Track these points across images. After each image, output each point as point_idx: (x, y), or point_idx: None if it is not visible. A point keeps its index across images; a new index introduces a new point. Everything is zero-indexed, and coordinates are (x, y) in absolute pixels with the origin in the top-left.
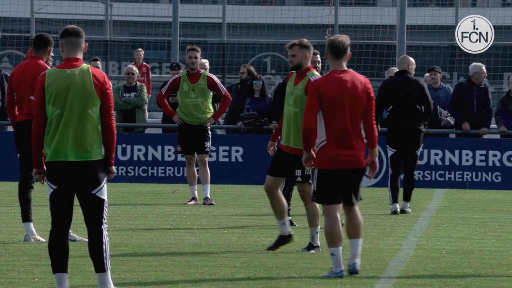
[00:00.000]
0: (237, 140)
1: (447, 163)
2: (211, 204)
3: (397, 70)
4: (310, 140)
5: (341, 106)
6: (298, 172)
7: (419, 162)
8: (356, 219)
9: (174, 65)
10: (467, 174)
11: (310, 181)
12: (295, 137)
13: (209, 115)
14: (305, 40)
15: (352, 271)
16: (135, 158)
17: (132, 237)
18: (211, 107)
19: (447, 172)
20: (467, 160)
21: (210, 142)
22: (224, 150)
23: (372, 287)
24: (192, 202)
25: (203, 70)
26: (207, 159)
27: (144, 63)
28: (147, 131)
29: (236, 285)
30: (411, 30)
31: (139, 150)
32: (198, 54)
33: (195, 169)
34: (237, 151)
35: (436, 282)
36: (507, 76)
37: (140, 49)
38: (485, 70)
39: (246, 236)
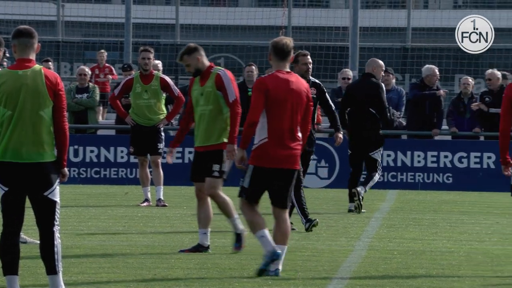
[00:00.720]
0: (190, 141)
1: (399, 164)
2: (164, 205)
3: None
4: (249, 136)
5: (285, 106)
6: (216, 167)
7: None
8: (285, 226)
9: (125, 66)
10: (419, 175)
11: (224, 177)
12: (211, 135)
13: (162, 117)
14: (191, 44)
15: (276, 273)
16: (88, 160)
17: (84, 239)
18: (164, 108)
19: (399, 173)
20: (418, 161)
21: (163, 143)
22: (177, 152)
23: None
24: (145, 204)
25: (156, 71)
26: (160, 160)
27: (107, 64)
28: (100, 132)
29: (189, 286)
30: (363, 32)
31: (92, 151)
32: (151, 55)
33: (148, 170)
34: (190, 152)
35: (388, 282)
36: (458, 78)
37: (103, 50)
38: (437, 73)
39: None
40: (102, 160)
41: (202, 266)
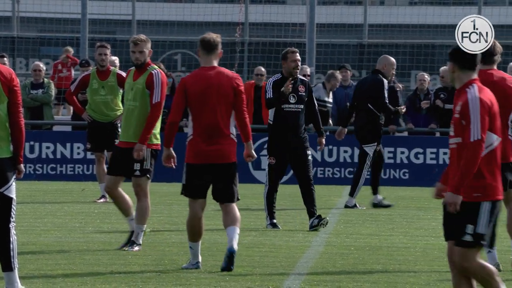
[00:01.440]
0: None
1: (356, 160)
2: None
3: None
4: (171, 135)
5: (207, 102)
6: (137, 166)
7: (329, 160)
8: (234, 214)
9: (83, 62)
10: None
11: (148, 175)
12: (135, 131)
13: (119, 113)
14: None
15: (230, 250)
16: (44, 156)
17: (40, 236)
18: (120, 104)
19: (355, 169)
20: None
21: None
22: None
23: (282, 284)
24: (101, 200)
25: (113, 68)
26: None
27: (74, 58)
28: (56, 128)
29: (146, 282)
30: (320, 28)
31: (48, 147)
32: (108, 51)
33: (104, 166)
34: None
35: (345, 278)
36: (414, 74)
37: (68, 47)
38: (394, 69)
39: (156, 234)
40: (58, 156)
41: (159, 262)
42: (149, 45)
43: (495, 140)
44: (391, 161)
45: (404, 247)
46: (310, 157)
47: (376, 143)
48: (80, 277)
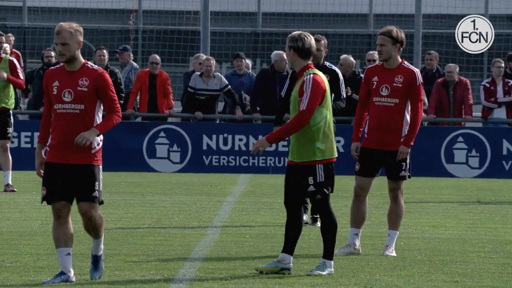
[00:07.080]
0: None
1: (251, 148)
2: (13, 191)
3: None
4: None
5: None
6: None
7: (224, 148)
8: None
9: None
10: (270, 159)
11: None
12: None
13: (12, 100)
14: None
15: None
16: None
17: None
18: (13, 92)
19: (251, 158)
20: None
21: (12, 127)
22: (26, 136)
23: (177, 272)
24: None
25: (5, 54)
26: (8, 144)
27: (14, 49)
28: None
29: (39, 272)
30: (215, 16)
31: None
32: (4, 38)
33: None
34: None
35: (240, 266)
36: None
37: (10, 34)
38: (286, 58)
39: (49, 223)
40: None
41: (52, 251)
42: None
43: None
44: (285, 149)
45: None
46: None
47: None
48: None
